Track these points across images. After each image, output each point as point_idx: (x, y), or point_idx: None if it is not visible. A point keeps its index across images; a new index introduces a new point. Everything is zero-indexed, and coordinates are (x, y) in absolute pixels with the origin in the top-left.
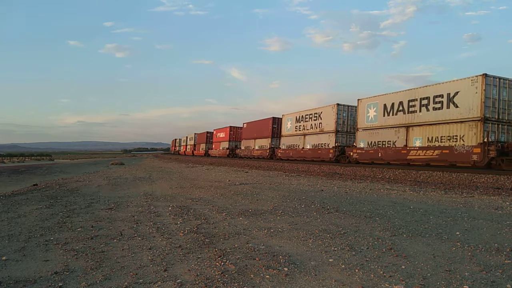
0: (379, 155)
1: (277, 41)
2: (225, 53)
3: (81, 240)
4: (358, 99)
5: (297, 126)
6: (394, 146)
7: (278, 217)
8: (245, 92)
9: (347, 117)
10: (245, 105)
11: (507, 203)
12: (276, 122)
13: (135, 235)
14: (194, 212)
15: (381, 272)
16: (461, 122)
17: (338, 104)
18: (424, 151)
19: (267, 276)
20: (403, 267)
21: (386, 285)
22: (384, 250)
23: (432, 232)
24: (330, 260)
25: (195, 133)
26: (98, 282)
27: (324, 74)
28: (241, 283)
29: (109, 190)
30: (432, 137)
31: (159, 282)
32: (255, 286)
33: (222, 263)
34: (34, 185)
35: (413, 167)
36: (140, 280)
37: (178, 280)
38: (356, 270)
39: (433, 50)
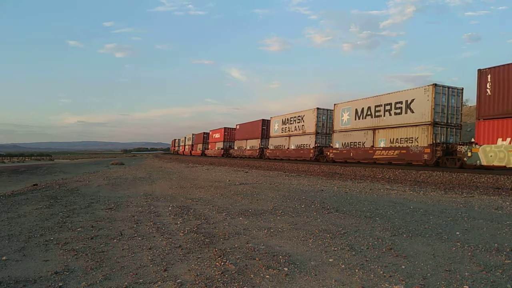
0: (351, 155)
1: (277, 41)
2: (225, 53)
3: (81, 240)
4: (335, 104)
5: (283, 128)
6: (363, 146)
7: (278, 217)
8: (245, 92)
9: (326, 120)
10: (245, 105)
11: (507, 203)
12: (266, 124)
13: (135, 235)
14: (194, 212)
15: (381, 272)
16: (416, 125)
17: (318, 108)
18: (387, 151)
19: (267, 276)
20: (403, 267)
21: (386, 285)
22: (384, 250)
23: (432, 232)
24: (330, 260)
25: (193, 134)
26: (98, 282)
27: (323, 74)
28: (241, 283)
29: (109, 190)
30: (393, 139)
31: (159, 282)
32: (255, 286)
33: (222, 263)
34: (34, 185)
35: (414, 167)
36: (140, 280)
37: (178, 280)
38: (356, 270)
39: (432, 50)
